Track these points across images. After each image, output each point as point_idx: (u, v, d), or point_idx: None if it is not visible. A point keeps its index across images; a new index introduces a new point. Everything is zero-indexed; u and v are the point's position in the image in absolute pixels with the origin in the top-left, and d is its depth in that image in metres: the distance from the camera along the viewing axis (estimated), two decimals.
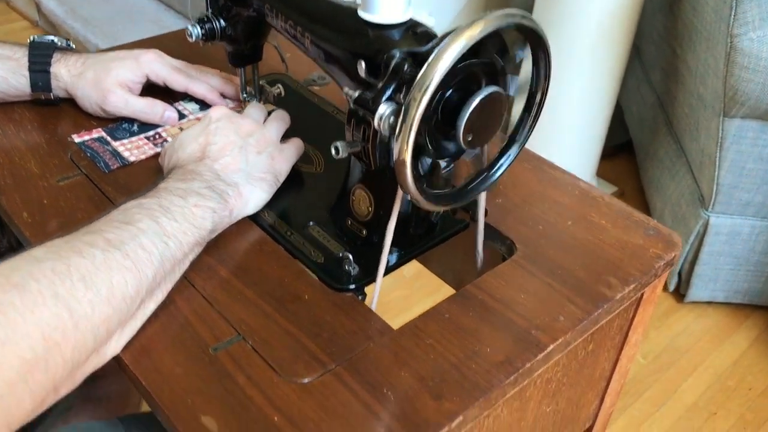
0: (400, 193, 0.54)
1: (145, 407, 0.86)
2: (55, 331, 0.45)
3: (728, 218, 1.61)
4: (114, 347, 0.51)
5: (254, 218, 0.64)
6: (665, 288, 1.79)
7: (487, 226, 0.65)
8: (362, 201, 0.60)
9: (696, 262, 1.67)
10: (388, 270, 0.60)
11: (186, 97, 0.78)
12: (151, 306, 0.53)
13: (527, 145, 0.59)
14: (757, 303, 1.73)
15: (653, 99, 2.00)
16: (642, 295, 0.65)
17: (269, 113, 0.71)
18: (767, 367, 1.62)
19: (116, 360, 0.52)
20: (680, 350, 1.64)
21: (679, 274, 1.74)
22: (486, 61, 0.51)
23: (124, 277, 0.49)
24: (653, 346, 1.65)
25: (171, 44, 0.85)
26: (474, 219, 0.65)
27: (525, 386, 0.58)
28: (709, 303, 1.76)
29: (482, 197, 0.62)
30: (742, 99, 1.42)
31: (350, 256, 0.58)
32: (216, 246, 0.60)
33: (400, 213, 0.59)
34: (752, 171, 1.53)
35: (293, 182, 0.68)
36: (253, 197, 0.62)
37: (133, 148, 0.70)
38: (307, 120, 0.77)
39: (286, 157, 0.66)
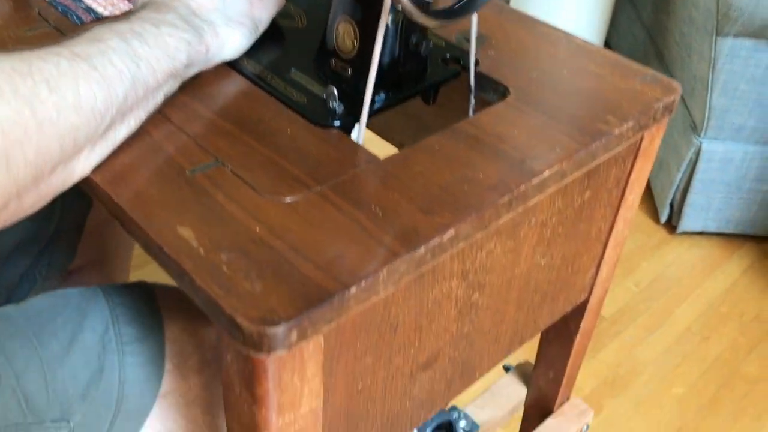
0: (386, 4, 0.50)
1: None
2: (15, 126, 0.42)
3: (720, 144, 1.59)
4: (83, 166, 0.48)
5: (234, 65, 0.61)
6: (657, 220, 1.77)
7: (480, 75, 0.62)
8: (347, 35, 0.57)
9: (688, 190, 1.65)
10: (376, 111, 0.58)
11: None
12: (123, 131, 0.50)
13: None
14: (749, 232, 1.71)
15: (643, 35, 1.97)
16: (640, 143, 0.62)
17: None
18: (759, 295, 1.61)
19: (87, 184, 0.49)
20: (673, 279, 1.63)
21: (671, 205, 1.72)
22: None
23: (92, 88, 0.46)
24: (645, 275, 1.63)
25: None
26: (465, 67, 0.62)
27: (519, 223, 0.55)
28: (701, 234, 1.75)
29: (474, 41, 0.59)
30: (735, 15, 1.39)
31: (335, 91, 0.55)
32: (193, 86, 0.57)
33: (387, 47, 0.56)
34: (745, 93, 1.51)
35: (274, 36, 0.65)
36: (231, 40, 0.59)
37: (107, 4, 0.67)
38: None
39: (265, 5, 0.63)
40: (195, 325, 0.63)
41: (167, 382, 0.62)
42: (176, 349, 0.62)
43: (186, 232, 0.45)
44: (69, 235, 0.82)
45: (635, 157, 0.63)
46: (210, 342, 0.64)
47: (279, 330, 0.39)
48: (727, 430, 1.32)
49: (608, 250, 0.71)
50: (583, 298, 0.74)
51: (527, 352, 1.40)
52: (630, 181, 0.65)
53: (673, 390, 1.39)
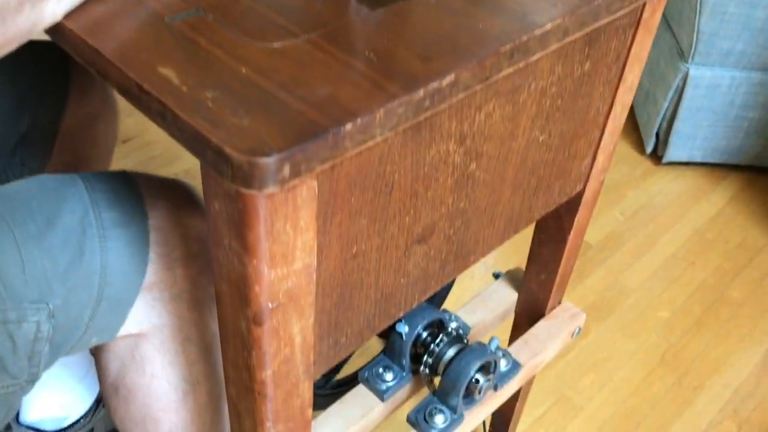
0: None
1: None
2: None
3: (708, 69, 1.57)
4: (53, 9, 0.44)
5: None
6: (642, 151, 1.76)
7: None
8: None
9: (675, 119, 1.63)
10: None
11: None
12: None
13: None
14: (734, 162, 1.71)
15: None
16: (641, 13, 0.60)
17: None
18: (744, 223, 1.61)
19: (61, 34, 0.46)
20: (658, 208, 1.62)
21: (657, 134, 1.71)
22: None
23: None
24: (631, 204, 1.63)
25: None
26: None
27: (519, 85, 0.53)
28: (686, 164, 1.74)
29: None
30: None
31: None
32: None
33: None
34: (734, 16, 1.49)
35: None
36: None
37: None
38: None
39: None
40: (180, 214, 0.60)
41: (151, 272, 0.59)
42: (160, 237, 0.59)
43: (167, 72, 0.41)
44: (43, 137, 0.78)
45: (636, 29, 0.61)
46: (197, 233, 0.61)
47: (270, 161, 0.37)
48: (712, 352, 1.33)
49: (605, 137, 0.68)
50: (578, 189, 0.72)
51: (518, 260, 1.39)
52: (630, 57, 0.63)
53: (659, 314, 1.39)
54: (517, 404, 0.96)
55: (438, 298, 1.15)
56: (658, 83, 1.68)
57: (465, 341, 0.74)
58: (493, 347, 0.72)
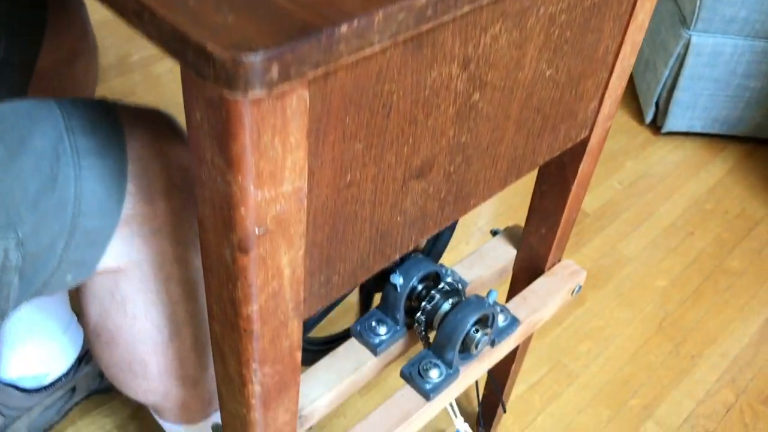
0: None
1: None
2: None
3: (710, 37, 1.53)
4: None
5: None
6: (641, 121, 1.73)
7: None
8: None
9: (675, 88, 1.60)
10: None
11: None
12: None
13: None
14: (734, 133, 1.68)
15: None
16: None
17: None
18: (743, 193, 1.58)
19: None
20: (657, 177, 1.60)
21: (656, 104, 1.68)
22: None
23: None
24: (629, 174, 1.60)
25: None
26: None
27: (528, 7, 0.49)
28: (686, 134, 1.71)
29: None
30: None
31: None
32: None
33: None
34: None
35: None
36: None
37: None
38: None
39: None
40: (161, 143, 0.57)
41: (130, 204, 0.55)
42: (140, 168, 0.56)
43: None
44: (16, 72, 0.74)
45: None
46: (179, 164, 0.58)
47: (257, 59, 0.33)
48: (710, 321, 1.30)
49: (613, 79, 0.65)
50: (584, 134, 0.68)
51: (516, 218, 1.36)
52: None
53: (657, 283, 1.36)
54: (513, 366, 0.94)
55: (434, 254, 1.12)
56: (659, 51, 1.65)
57: (462, 295, 0.71)
58: (491, 300, 0.69)
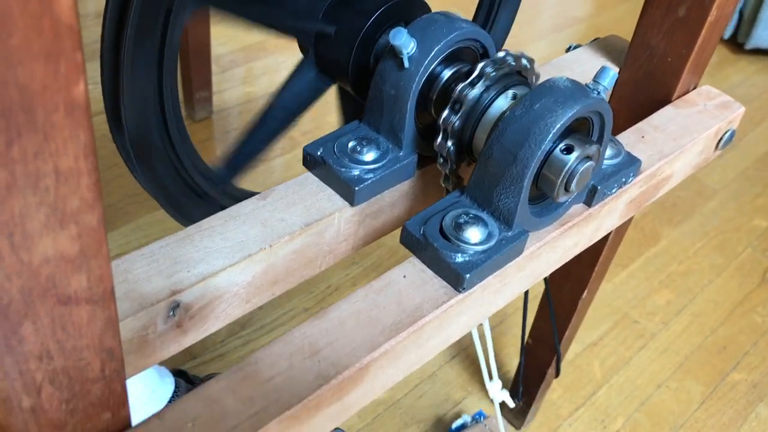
0: None
1: None
2: None
3: None
4: None
5: None
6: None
7: None
8: None
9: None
10: None
11: None
12: None
13: None
14: None
15: None
16: None
17: None
18: None
19: None
20: (741, 100, 1.22)
21: (740, 12, 1.31)
22: None
23: None
24: None
25: None
26: None
27: None
28: None
29: None
30: None
31: None
32: None
33: None
34: None
35: None
36: None
37: None
38: None
39: None
40: None
41: None
42: None
43: None
44: None
45: None
46: None
47: None
48: None
49: None
50: None
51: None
52: None
53: (754, 222, 1.00)
54: (589, 286, 0.57)
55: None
56: None
57: (530, 87, 0.35)
58: (601, 89, 0.33)
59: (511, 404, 0.62)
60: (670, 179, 0.42)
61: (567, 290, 0.59)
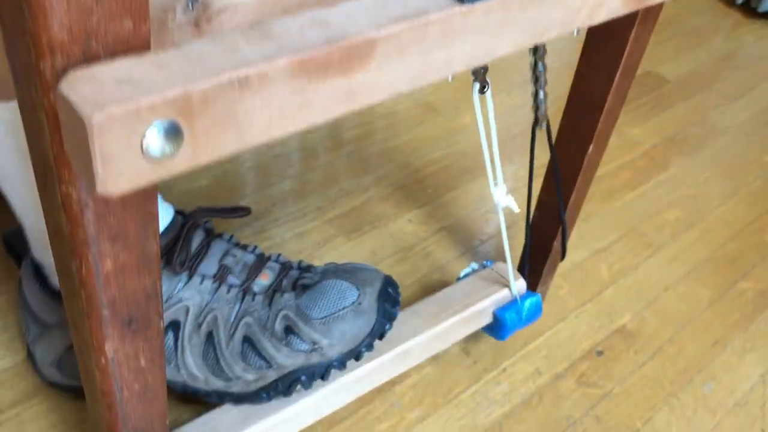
0: None
1: None
2: None
3: None
4: None
5: None
6: (730, 2, 1.38)
7: None
8: None
9: None
10: None
11: None
12: None
13: None
14: None
15: None
16: None
17: None
18: None
19: None
20: (755, 57, 1.24)
21: None
22: None
23: None
24: (719, 49, 1.25)
25: None
26: None
27: None
28: None
29: None
30: None
31: None
32: None
33: None
34: None
35: None
36: None
37: None
38: None
39: None
40: None
41: None
42: None
43: None
44: None
45: None
46: None
47: None
48: None
49: None
50: None
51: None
52: None
53: (765, 158, 1.00)
54: (586, 159, 0.58)
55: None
56: None
57: None
58: None
59: (516, 209, 0.60)
60: None
61: (573, 149, 0.60)
